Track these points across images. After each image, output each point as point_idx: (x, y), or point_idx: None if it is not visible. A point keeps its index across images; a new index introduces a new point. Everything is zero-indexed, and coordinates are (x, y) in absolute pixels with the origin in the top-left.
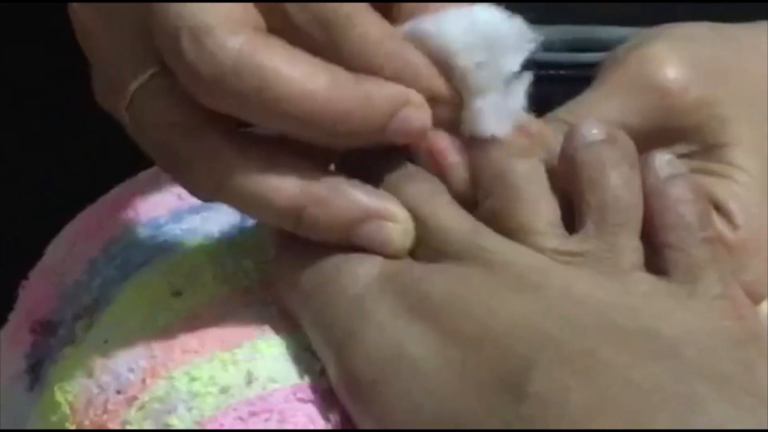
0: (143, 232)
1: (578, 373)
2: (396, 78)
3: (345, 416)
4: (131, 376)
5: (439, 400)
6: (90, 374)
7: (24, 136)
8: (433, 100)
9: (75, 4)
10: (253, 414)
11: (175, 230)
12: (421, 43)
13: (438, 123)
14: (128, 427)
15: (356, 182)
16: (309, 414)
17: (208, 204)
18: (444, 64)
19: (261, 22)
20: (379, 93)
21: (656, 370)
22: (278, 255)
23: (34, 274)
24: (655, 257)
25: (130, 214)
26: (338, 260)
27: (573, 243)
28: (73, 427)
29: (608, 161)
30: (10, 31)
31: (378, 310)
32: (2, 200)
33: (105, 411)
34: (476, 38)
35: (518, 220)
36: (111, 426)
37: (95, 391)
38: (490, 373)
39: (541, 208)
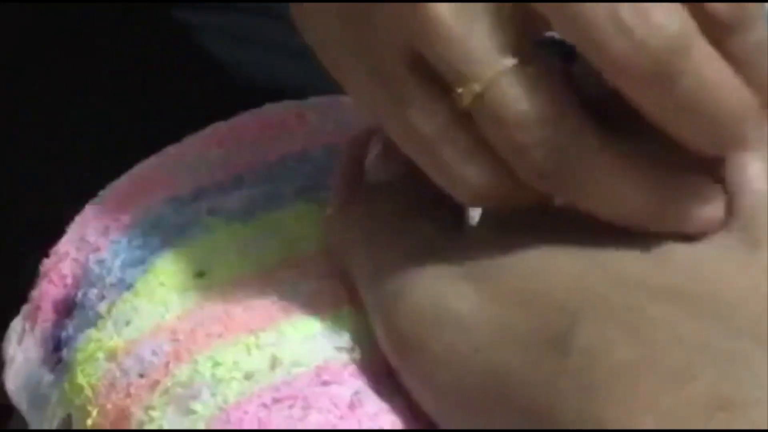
0: (166, 211)
1: (625, 328)
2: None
3: (369, 394)
4: (154, 360)
5: (485, 354)
6: (112, 357)
7: (48, 113)
8: None
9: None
10: (276, 401)
11: (198, 209)
12: None
13: None
14: (151, 412)
15: None
16: (332, 397)
17: (231, 181)
18: None
19: None
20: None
21: (704, 327)
22: (337, 215)
23: (56, 253)
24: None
25: (152, 192)
26: (392, 225)
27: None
28: (95, 411)
29: None
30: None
31: (425, 272)
32: (25, 178)
33: (128, 395)
34: None
35: None
36: (134, 410)
37: (118, 374)
38: (535, 327)
39: None
